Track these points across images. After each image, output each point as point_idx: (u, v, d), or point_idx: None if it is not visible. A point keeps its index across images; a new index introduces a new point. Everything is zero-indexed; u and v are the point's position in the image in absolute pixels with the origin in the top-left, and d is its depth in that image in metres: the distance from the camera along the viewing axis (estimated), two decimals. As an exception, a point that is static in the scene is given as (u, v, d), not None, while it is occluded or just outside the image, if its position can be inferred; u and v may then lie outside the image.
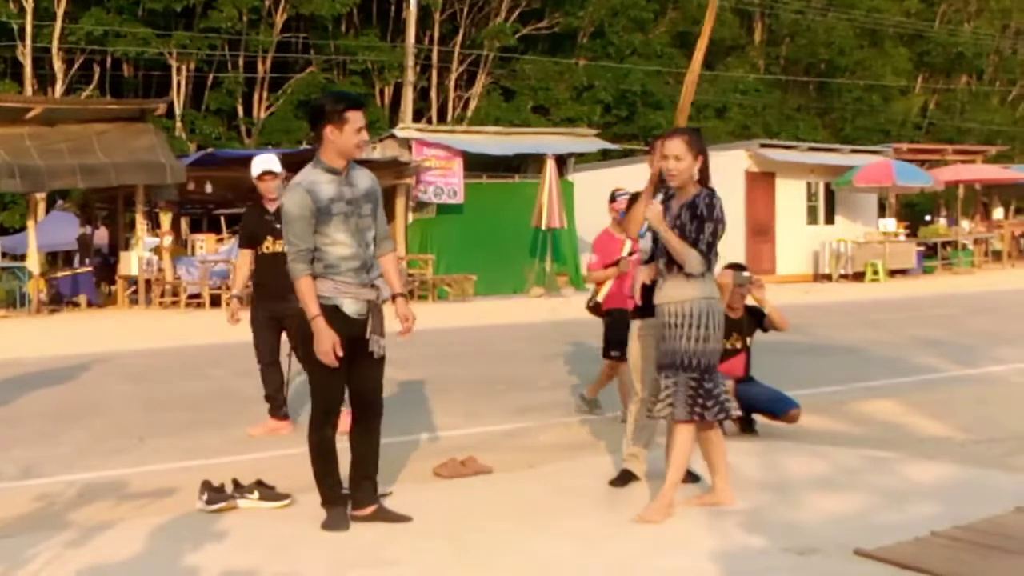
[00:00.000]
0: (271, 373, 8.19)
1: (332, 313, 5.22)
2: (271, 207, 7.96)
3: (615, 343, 8.09)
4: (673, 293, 5.34)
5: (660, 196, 5.36)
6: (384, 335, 5.36)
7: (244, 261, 8.34)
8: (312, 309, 5.16)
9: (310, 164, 5.34)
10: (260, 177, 8.07)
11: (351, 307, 5.26)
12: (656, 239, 5.61)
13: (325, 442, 5.34)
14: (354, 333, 5.27)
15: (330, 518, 5.29)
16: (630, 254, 7.89)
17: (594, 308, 8.37)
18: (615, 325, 8.04)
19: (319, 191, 5.20)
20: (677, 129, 6.08)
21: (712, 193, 5.39)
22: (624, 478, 6.12)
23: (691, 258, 5.27)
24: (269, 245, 8.00)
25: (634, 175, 9.02)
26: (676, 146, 5.34)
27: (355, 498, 5.43)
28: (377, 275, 5.39)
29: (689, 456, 5.48)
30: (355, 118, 5.23)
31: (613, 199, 8.41)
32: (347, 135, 5.22)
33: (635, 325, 6.19)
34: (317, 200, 5.17)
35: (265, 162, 8.17)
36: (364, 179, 5.40)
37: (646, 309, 6.04)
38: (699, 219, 5.30)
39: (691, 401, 5.29)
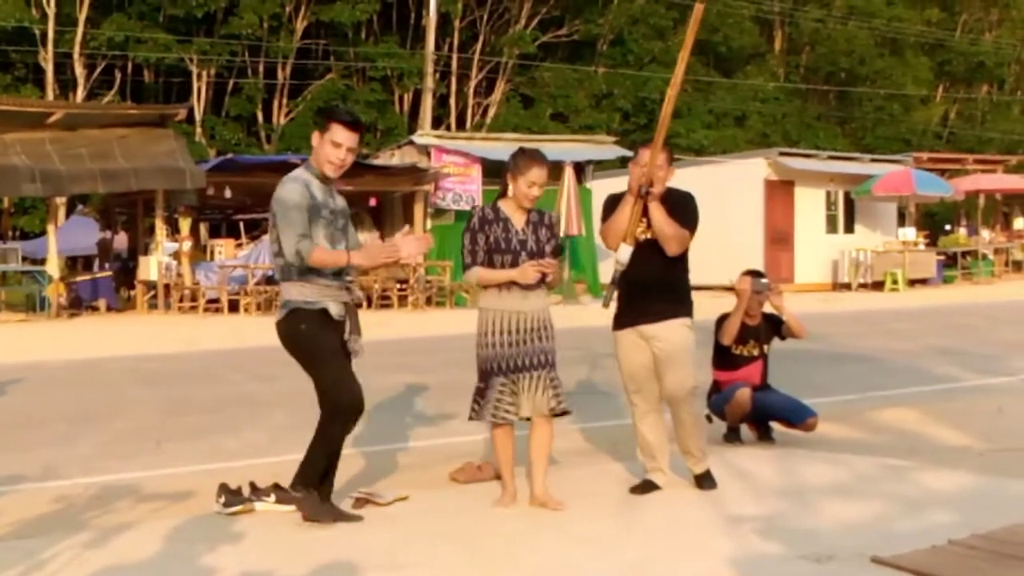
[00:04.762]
0: None
1: (321, 316, 5.32)
2: None
3: None
4: (498, 303, 5.58)
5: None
6: (361, 334, 5.48)
7: None
8: (341, 259, 5.28)
9: (302, 166, 5.42)
10: None
11: (334, 309, 5.35)
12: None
13: (336, 442, 5.48)
14: (337, 334, 5.39)
15: (308, 503, 5.42)
16: None
17: None
18: None
19: (313, 190, 5.30)
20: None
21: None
22: (646, 487, 6.05)
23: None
24: None
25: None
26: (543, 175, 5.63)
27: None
28: (349, 279, 5.47)
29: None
30: (338, 132, 5.29)
31: None
32: (325, 145, 5.30)
33: (617, 336, 6.09)
34: (312, 197, 5.27)
35: None
36: (341, 199, 5.53)
37: (623, 317, 6.00)
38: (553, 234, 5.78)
39: (497, 404, 5.50)
